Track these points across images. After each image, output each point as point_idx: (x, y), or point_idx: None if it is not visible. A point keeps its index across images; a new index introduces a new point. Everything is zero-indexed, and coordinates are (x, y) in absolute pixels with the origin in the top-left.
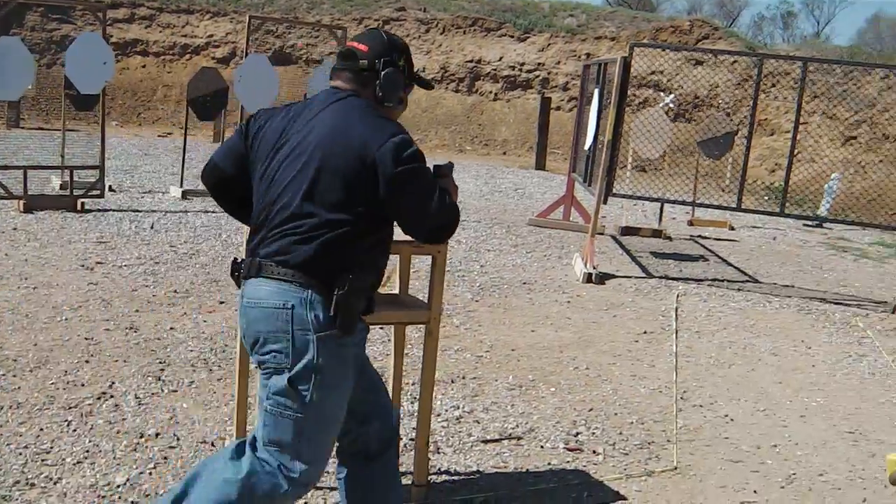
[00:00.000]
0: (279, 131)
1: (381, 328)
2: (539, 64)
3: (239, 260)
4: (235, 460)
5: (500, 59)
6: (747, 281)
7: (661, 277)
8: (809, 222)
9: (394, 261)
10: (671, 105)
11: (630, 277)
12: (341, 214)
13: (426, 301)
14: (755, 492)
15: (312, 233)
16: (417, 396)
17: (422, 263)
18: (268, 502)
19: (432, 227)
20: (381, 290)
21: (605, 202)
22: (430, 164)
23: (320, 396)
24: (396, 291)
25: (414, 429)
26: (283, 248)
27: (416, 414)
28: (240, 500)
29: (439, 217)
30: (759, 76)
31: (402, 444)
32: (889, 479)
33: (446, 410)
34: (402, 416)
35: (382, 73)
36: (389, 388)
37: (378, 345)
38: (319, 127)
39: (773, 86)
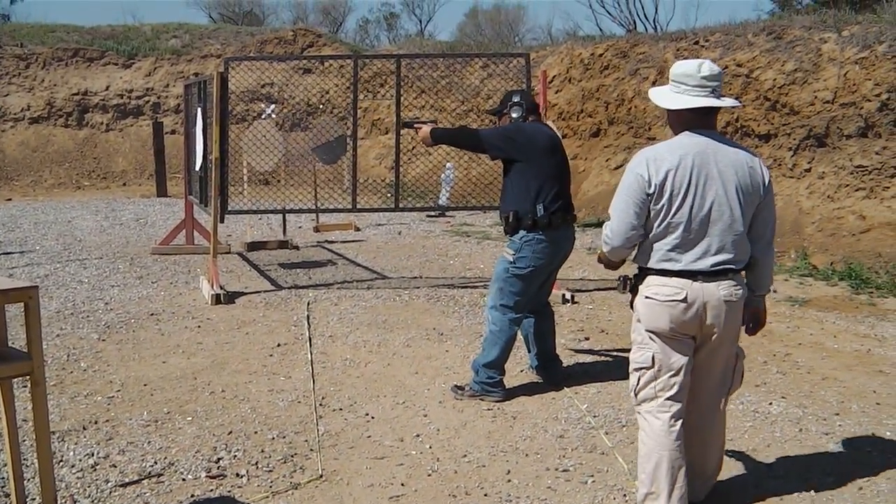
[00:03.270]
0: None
1: None
2: (148, 89)
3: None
4: None
5: (108, 88)
6: (376, 278)
7: (290, 288)
8: (433, 213)
9: None
10: (272, 115)
11: (259, 292)
12: None
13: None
14: (402, 485)
15: None
16: None
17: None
18: None
19: None
20: None
21: (222, 221)
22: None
23: None
24: None
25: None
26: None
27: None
28: None
29: None
30: (355, 76)
31: None
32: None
33: (80, 459)
34: (28, 475)
35: None
36: (6, 449)
37: None
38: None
39: (382, 85)
